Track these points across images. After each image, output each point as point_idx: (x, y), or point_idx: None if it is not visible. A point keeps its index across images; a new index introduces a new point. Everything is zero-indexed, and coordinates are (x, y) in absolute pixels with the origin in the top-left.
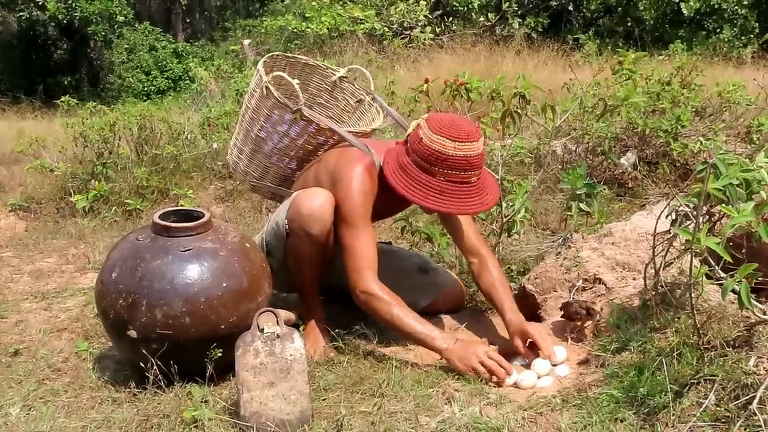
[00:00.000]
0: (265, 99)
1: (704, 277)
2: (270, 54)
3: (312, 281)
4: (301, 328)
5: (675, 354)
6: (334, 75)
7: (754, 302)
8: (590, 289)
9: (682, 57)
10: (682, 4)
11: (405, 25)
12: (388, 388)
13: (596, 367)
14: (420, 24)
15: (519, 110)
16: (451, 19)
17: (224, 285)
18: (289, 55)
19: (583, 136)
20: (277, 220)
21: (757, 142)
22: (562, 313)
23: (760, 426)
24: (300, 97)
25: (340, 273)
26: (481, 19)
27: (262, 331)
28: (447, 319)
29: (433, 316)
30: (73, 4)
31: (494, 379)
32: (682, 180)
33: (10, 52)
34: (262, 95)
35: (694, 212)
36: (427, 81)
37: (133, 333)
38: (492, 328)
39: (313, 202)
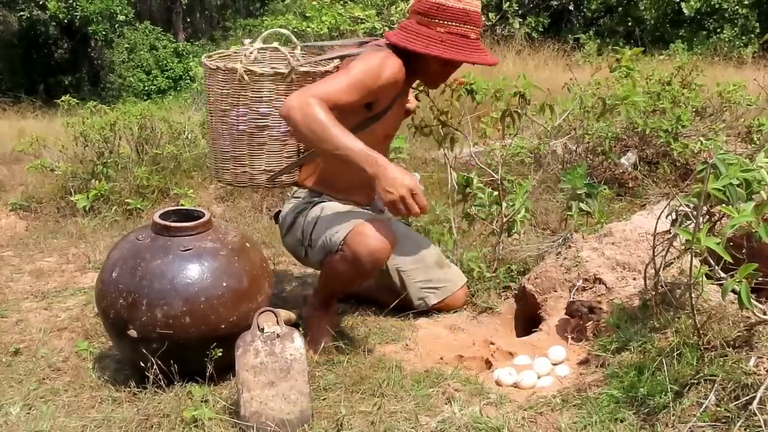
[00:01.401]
0: (251, 83)
1: (704, 277)
2: (206, 55)
3: (343, 293)
4: (301, 327)
5: (675, 354)
6: (252, 48)
7: (754, 302)
8: (590, 289)
9: (683, 57)
10: (683, 4)
11: None
12: (388, 388)
13: (596, 367)
14: None
15: (519, 110)
16: None
17: (224, 285)
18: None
19: (584, 136)
20: (331, 237)
21: (757, 142)
22: (566, 311)
23: (761, 426)
24: (289, 61)
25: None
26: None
27: (262, 330)
28: (447, 318)
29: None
30: (74, 4)
31: (404, 214)
32: (682, 180)
33: (10, 52)
34: (242, 82)
35: (695, 212)
36: None
37: (133, 332)
38: (492, 328)
39: (378, 244)
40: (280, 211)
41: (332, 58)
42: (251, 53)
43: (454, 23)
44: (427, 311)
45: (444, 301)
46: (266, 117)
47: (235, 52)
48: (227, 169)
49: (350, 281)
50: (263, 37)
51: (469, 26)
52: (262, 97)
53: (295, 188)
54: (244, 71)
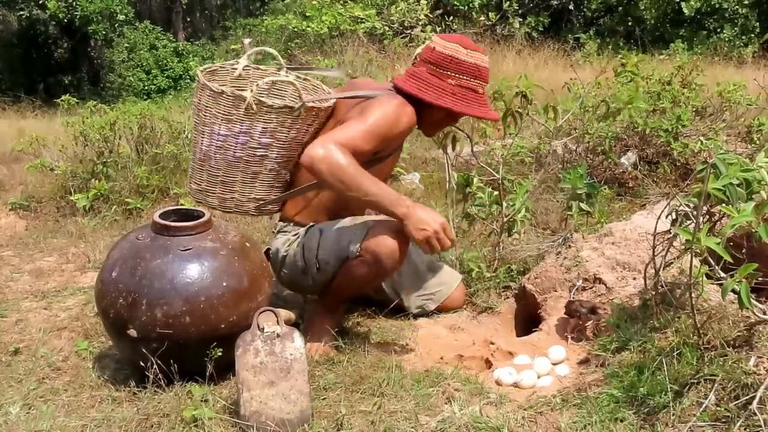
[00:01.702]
0: (258, 113)
1: (704, 277)
2: (201, 69)
3: (354, 296)
4: (302, 327)
5: (675, 354)
6: (237, 66)
7: (754, 302)
8: (590, 288)
9: (683, 56)
10: (683, 4)
11: (405, 24)
12: (388, 388)
13: (596, 366)
14: (420, 23)
15: (521, 110)
16: (451, 18)
17: (224, 284)
18: (212, 68)
19: (584, 136)
20: (346, 246)
21: (757, 141)
22: (565, 310)
23: (760, 426)
24: (300, 95)
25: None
26: (482, 18)
27: (262, 330)
28: (447, 318)
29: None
30: (74, 3)
31: (437, 251)
32: (682, 180)
33: (10, 51)
34: (249, 111)
35: (695, 212)
36: None
37: (133, 332)
38: (492, 327)
39: (396, 242)
40: (269, 248)
41: (344, 97)
42: (236, 70)
43: (464, 77)
44: (428, 312)
45: (442, 304)
46: (267, 147)
47: (221, 67)
48: (213, 193)
49: (367, 283)
50: (249, 54)
51: (478, 81)
52: (267, 128)
53: (281, 223)
54: (254, 101)
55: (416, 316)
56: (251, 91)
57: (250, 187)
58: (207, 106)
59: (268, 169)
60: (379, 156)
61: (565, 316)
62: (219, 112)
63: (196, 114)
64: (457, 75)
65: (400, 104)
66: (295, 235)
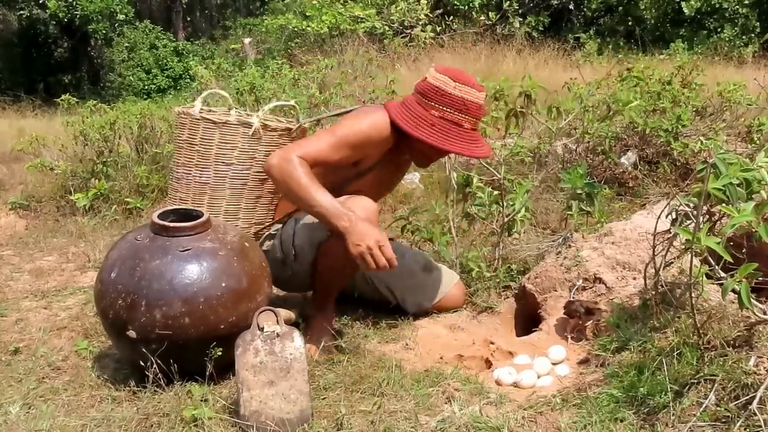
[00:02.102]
0: (263, 137)
1: (704, 276)
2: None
3: (340, 285)
4: (301, 327)
5: (675, 354)
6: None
7: (754, 302)
8: (590, 288)
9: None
10: (683, 4)
11: (405, 23)
12: (388, 388)
13: (596, 366)
14: (420, 23)
15: (524, 110)
16: (451, 17)
17: (223, 285)
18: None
19: (584, 136)
20: (319, 228)
21: (757, 141)
22: (565, 311)
23: (760, 426)
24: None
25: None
26: (482, 18)
27: (261, 330)
28: (447, 318)
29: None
30: (74, 3)
31: (372, 267)
32: (682, 179)
33: (10, 51)
34: (255, 136)
35: (695, 212)
36: None
37: (132, 333)
38: (492, 327)
39: (368, 204)
40: None
41: (335, 114)
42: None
43: (449, 110)
44: (428, 312)
45: (440, 302)
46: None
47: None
48: None
49: (347, 264)
50: (203, 97)
51: (464, 115)
52: (269, 151)
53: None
54: (260, 125)
55: (416, 316)
56: (257, 117)
57: (252, 212)
58: (203, 138)
59: (268, 190)
60: (359, 170)
61: (565, 316)
62: (223, 142)
63: (190, 149)
64: (441, 107)
65: (375, 116)
66: (275, 230)
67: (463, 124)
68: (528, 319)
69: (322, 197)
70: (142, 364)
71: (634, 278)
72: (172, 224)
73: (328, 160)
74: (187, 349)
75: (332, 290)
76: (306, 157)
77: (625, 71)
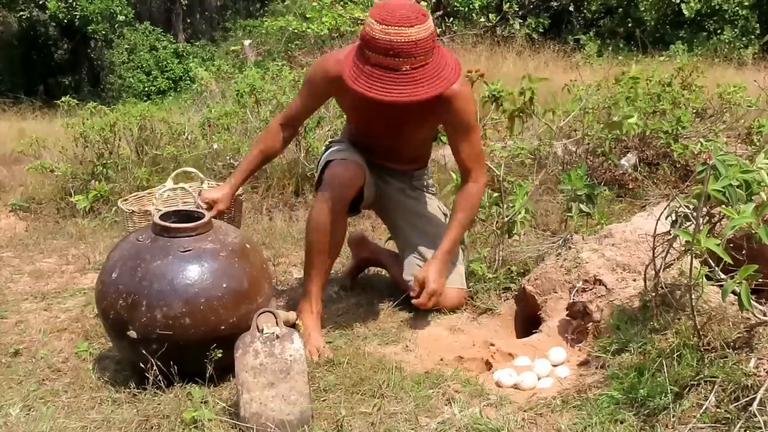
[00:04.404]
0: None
1: (704, 278)
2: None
3: (317, 261)
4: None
5: (675, 355)
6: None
7: (754, 304)
8: (590, 290)
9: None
10: (683, 5)
11: None
12: (388, 389)
13: (596, 368)
14: None
15: (526, 110)
16: (452, 19)
17: (224, 286)
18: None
19: (584, 137)
20: (319, 163)
21: (757, 143)
22: (567, 312)
23: (760, 428)
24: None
25: None
26: (482, 19)
27: (261, 331)
28: (447, 320)
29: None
30: (74, 3)
31: None
32: (682, 181)
33: (10, 52)
34: None
35: (694, 213)
36: None
37: (133, 333)
38: (492, 329)
39: (342, 171)
40: None
41: None
42: (164, 193)
43: (381, 55)
44: (428, 312)
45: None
46: None
47: (149, 193)
48: None
49: (316, 219)
50: (172, 177)
51: (398, 59)
52: None
53: None
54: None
55: (417, 318)
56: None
57: None
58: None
59: None
60: (349, 117)
61: (567, 318)
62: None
63: None
64: (373, 54)
65: (326, 56)
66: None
67: (400, 68)
68: (528, 321)
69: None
70: (143, 365)
71: (634, 280)
72: (173, 225)
73: (300, 108)
74: (187, 350)
75: (310, 269)
76: (282, 115)
77: (620, 74)
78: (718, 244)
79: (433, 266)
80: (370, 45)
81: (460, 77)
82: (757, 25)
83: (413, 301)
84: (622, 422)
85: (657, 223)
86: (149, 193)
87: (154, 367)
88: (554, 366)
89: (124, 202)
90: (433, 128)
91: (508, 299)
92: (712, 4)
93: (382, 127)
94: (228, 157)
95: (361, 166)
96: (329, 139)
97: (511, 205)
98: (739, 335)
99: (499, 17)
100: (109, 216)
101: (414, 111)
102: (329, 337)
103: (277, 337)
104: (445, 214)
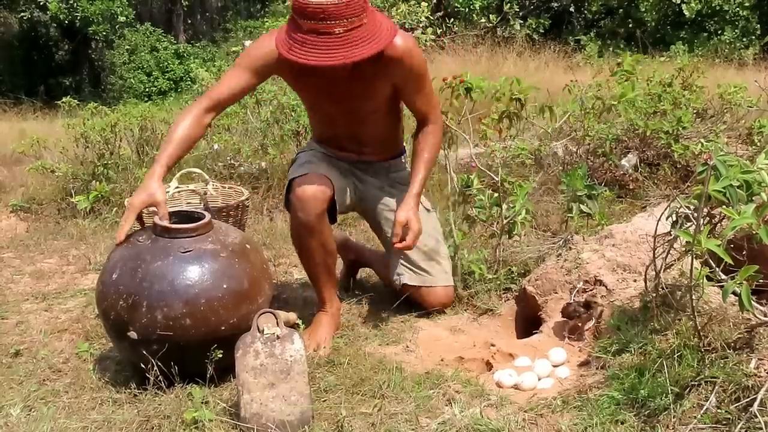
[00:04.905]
0: None
1: (705, 279)
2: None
3: (316, 270)
4: (301, 329)
5: (676, 356)
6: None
7: (755, 304)
8: (591, 290)
9: (684, 58)
10: (684, 6)
11: (406, 26)
12: (389, 390)
13: (597, 368)
14: (421, 25)
15: (516, 112)
16: (452, 20)
17: (225, 286)
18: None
19: (584, 138)
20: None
21: (758, 143)
22: (562, 313)
23: (761, 428)
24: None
25: None
26: (483, 20)
27: (262, 332)
28: (447, 320)
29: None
30: (75, 4)
31: None
32: (683, 182)
33: (11, 53)
34: None
35: (695, 214)
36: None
37: (133, 334)
38: (493, 329)
39: (305, 190)
40: None
41: None
42: (168, 193)
43: (311, 20)
44: (428, 313)
45: (420, 291)
46: None
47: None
48: None
49: (298, 237)
50: (177, 177)
51: (329, 21)
52: None
53: None
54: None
55: (417, 318)
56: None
57: None
58: None
59: None
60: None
61: (564, 318)
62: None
63: None
64: (304, 20)
65: (270, 32)
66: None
67: (333, 30)
68: (528, 322)
69: (161, 150)
70: (143, 366)
71: (635, 280)
72: (173, 226)
73: (232, 90)
74: (188, 350)
75: (313, 278)
76: (207, 96)
77: (615, 66)
78: (719, 245)
79: (409, 208)
80: (301, 12)
81: (399, 34)
82: (758, 25)
83: (398, 245)
84: (622, 423)
85: (657, 224)
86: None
87: (155, 368)
88: (555, 366)
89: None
90: (385, 96)
91: (508, 300)
92: (713, 4)
93: (335, 106)
94: (229, 158)
95: (323, 176)
96: (297, 151)
97: (511, 205)
98: (739, 336)
99: (499, 18)
100: (109, 216)
101: (360, 78)
102: None
103: (278, 337)
104: (428, 210)
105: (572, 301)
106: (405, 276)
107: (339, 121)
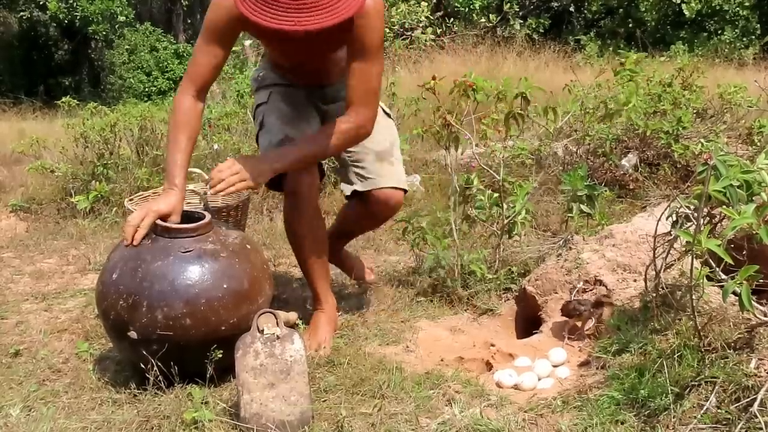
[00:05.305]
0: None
1: (705, 278)
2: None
3: (310, 263)
4: (301, 329)
5: (676, 356)
6: None
7: (755, 304)
8: (591, 290)
9: (684, 58)
10: (684, 6)
11: (406, 26)
12: (389, 390)
13: (597, 368)
14: (421, 25)
15: (521, 112)
16: (452, 20)
17: (225, 286)
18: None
19: (584, 138)
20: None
21: (758, 143)
22: (562, 312)
23: (761, 428)
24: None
25: None
26: (483, 20)
27: (262, 332)
28: (447, 320)
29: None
30: (75, 4)
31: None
32: (683, 182)
33: (11, 53)
34: None
35: (695, 214)
36: (434, 78)
37: (133, 334)
38: (493, 330)
39: (299, 184)
40: None
41: None
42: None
43: None
44: (429, 314)
45: (371, 194)
46: None
47: (154, 192)
48: None
49: (295, 233)
50: None
51: None
52: None
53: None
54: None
55: (417, 319)
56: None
57: None
58: None
59: None
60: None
61: (564, 317)
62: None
63: None
64: None
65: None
66: (255, 78)
67: None
68: (528, 322)
69: (169, 149)
70: (143, 366)
71: (635, 280)
72: (174, 226)
73: (209, 66)
74: (188, 350)
75: (306, 271)
76: (193, 80)
77: (618, 66)
78: (719, 245)
79: (239, 160)
80: None
81: None
82: (758, 25)
83: (210, 191)
84: (622, 423)
85: (657, 224)
86: (154, 193)
87: (155, 368)
88: (555, 366)
89: (130, 201)
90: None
91: (508, 300)
92: (713, 4)
93: (301, 52)
94: (228, 158)
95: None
96: (254, 74)
97: (511, 205)
98: (739, 336)
99: (499, 18)
100: (109, 216)
101: (327, 32)
102: None
103: (278, 337)
104: (387, 113)
105: (572, 299)
106: (357, 184)
107: (304, 61)
